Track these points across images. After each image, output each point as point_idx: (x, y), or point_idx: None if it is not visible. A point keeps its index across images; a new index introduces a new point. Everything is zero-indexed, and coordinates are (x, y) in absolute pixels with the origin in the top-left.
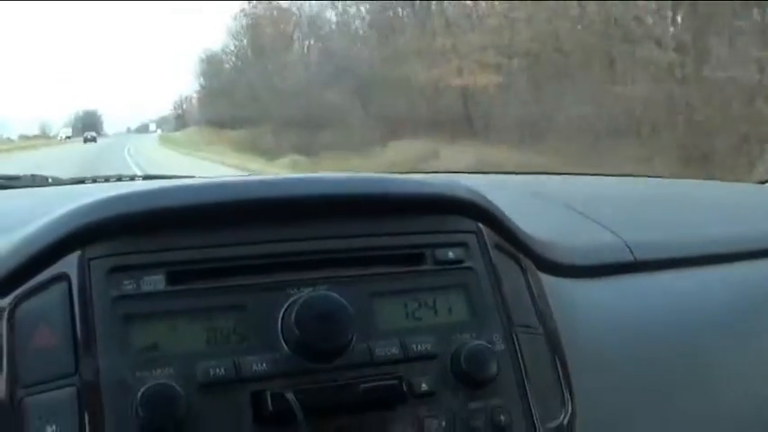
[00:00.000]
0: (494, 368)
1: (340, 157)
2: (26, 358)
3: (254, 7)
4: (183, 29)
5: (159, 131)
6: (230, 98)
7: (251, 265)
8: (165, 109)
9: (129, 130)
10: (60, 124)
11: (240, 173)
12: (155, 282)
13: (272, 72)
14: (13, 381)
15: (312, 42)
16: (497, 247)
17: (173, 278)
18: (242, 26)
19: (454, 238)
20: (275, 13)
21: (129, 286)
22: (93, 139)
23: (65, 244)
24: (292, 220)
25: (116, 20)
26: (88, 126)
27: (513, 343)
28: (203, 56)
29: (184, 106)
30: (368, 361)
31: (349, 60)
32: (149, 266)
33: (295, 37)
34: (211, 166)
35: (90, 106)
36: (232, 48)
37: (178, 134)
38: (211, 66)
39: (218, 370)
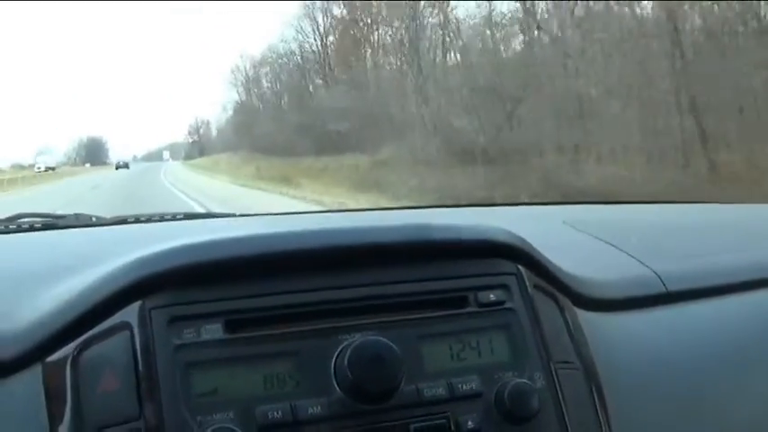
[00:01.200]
0: (535, 404)
1: None
2: (91, 403)
3: None
4: (198, 45)
5: (170, 159)
6: (291, 114)
7: (304, 313)
8: (177, 135)
9: (135, 158)
10: (60, 152)
11: None
12: (213, 330)
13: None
14: (78, 425)
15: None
16: (536, 287)
17: (230, 327)
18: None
19: (495, 280)
20: None
21: (189, 335)
22: (126, 166)
23: (126, 295)
24: (341, 267)
25: (122, 40)
26: (92, 153)
27: (553, 379)
28: (240, 62)
29: (201, 131)
30: (416, 402)
31: None
32: (208, 316)
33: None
34: None
35: (94, 132)
36: (298, 45)
37: (203, 161)
38: (255, 73)
39: (275, 413)
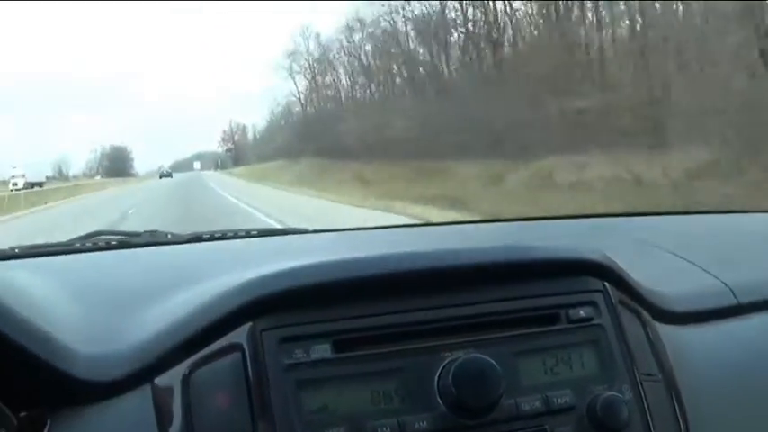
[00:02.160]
0: (626, 416)
1: None
2: (203, 422)
3: None
4: (226, 41)
5: (201, 169)
6: (416, 101)
7: (408, 332)
8: (204, 144)
9: (160, 169)
10: (82, 162)
11: None
12: (322, 350)
13: None
14: None
15: None
16: (621, 302)
17: (338, 346)
18: None
19: (584, 297)
20: None
21: (299, 355)
22: (169, 175)
23: (237, 317)
24: (441, 288)
25: (144, 45)
26: (116, 164)
27: (639, 391)
28: (302, 42)
29: (237, 137)
30: (515, 415)
31: None
32: (317, 336)
33: None
34: None
35: (117, 141)
36: None
37: (250, 170)
38: (324, 51)
39: (384, 429)
